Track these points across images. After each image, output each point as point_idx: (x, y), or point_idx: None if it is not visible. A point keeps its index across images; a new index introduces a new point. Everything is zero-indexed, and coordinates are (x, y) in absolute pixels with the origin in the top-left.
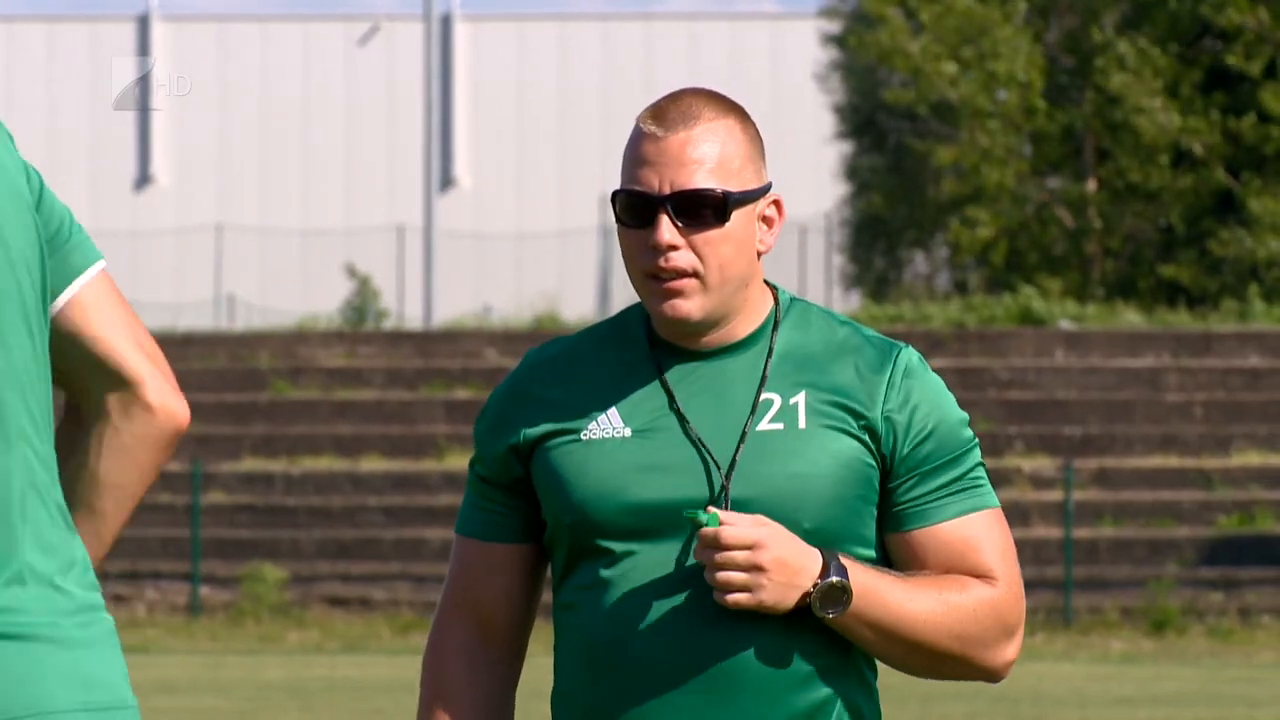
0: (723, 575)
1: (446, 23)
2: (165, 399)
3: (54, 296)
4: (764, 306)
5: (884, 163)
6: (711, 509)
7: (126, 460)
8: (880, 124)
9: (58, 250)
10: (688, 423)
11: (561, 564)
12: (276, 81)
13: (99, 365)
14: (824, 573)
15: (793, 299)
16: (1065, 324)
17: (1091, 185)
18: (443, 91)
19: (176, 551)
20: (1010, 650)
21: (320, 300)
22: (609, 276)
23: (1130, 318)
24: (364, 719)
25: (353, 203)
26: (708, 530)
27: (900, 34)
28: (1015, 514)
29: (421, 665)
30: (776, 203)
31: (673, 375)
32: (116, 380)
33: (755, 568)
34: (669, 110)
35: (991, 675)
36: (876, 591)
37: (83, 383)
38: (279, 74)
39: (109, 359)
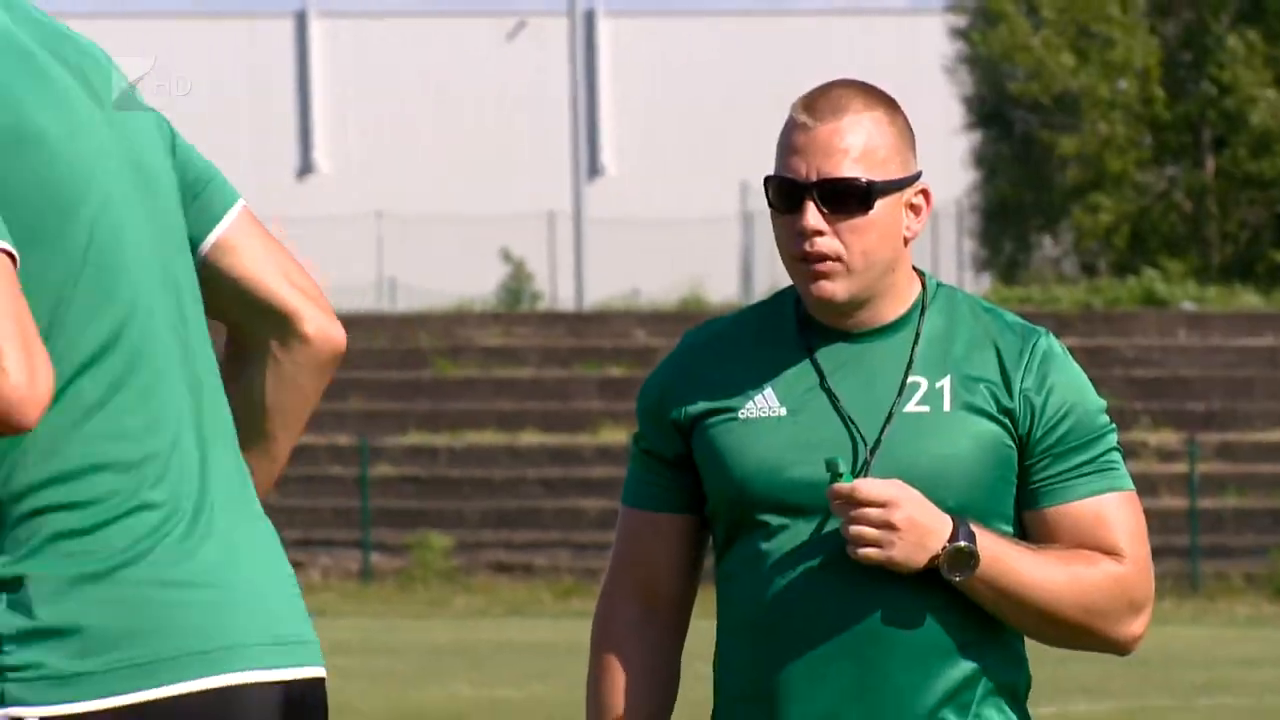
0: (855, 529)
1: (590, 18)
2: (321, 327)
3: (200, 240)
4: (911, 292)
5: (1010, 151)
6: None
7: (290, 387)
8: (1006, 114)
9: (199, 195)
10: (838, 401)
11: (722, 536)
12: (429, 75)
13: (254, 303)
14: (953, 537)
15: (939, 285)
16: (1187, 305)
17: (1209, 172)
18: (588, 84)
19: (348, 521)
20: (1137, 625)
21: (477, 283)
22: (751, 260)
23: (1249, 299)
24: (529, 680)
25: (506, 190)
26: (843, 486)
27: (1021, 30)
28: (1143, 485)
29: (591, 634)
30: (924, 191)
31: (823, 355)
32: (273, 316)
33: (887, 525)
34: (819, 101)
35: (1118, 648)
36: (1004, 559)
37: (240, 319)
38: (432, 68)
39: (263, 297)
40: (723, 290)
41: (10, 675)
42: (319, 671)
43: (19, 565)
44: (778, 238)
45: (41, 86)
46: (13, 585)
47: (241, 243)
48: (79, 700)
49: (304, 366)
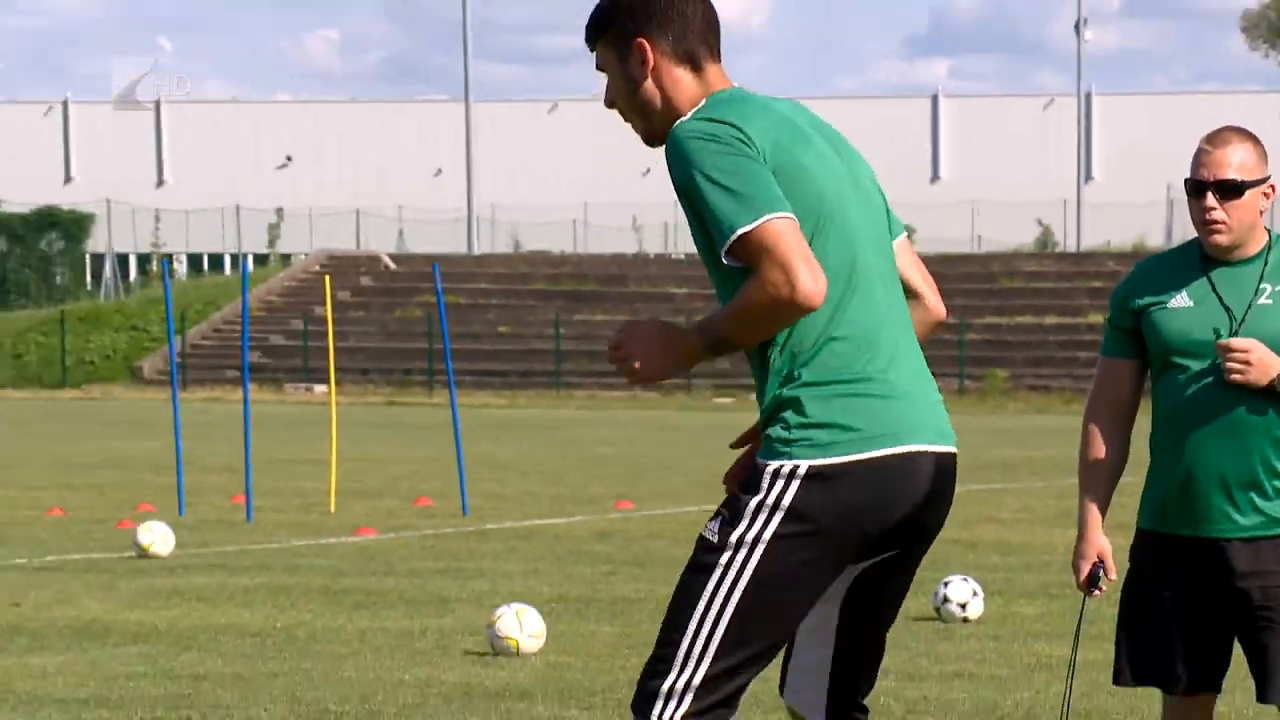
0: (1229, 364)
1: (1089, 97)
2: (934, 304)
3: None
4: (1263, 239)
5: None
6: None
7: (922, 330)
8: None
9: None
10: (1221, 298)
11: (1156, 371)
12: (1007, 127)
13: (905, 287)
14: None
15: (1278, 236)
16: None
17: None
18: (1086, 135)
19: (951, 363)
20: None
21: (1025, 235)
22: (1171, 225)
23: None
24: (1046, 446)
25: (1042, 186)
26: (1224, 341)
27: None
28: None
29: (1082, 421)
30: (1272, 185)
31: (1214, 274)
32: (912, 295)
33: (1246, 362)
34: (1216, 137)
35: None
36: None
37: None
38: (1006, 123)
39: (908, 282)
40: (1154, 240)
41: (794, 444)
42: (954, 449)
43: (797, 390)
44: (1191, 211)
45: (806, 145)
46: (795, 400)
47: (902, 252)
48: (828, 457)
49: (927, 323)
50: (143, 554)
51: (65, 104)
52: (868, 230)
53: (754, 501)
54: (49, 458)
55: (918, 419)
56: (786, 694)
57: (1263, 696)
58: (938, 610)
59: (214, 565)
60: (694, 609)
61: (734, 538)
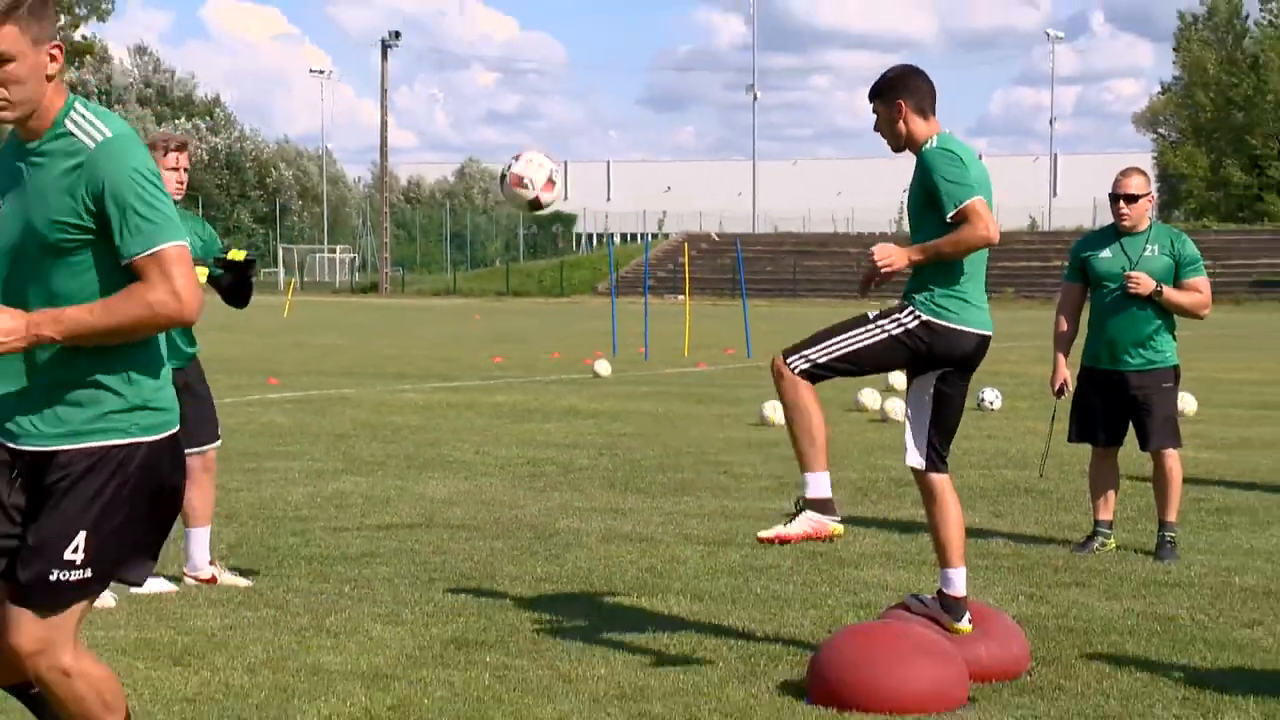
0: (1129, 285)
1: (1055, 157)
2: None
3: None
4: (1147, 223)
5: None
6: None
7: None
8: (1172, 185)
9: None
10: (1126, 253)
11: (1092, 289)
12: None
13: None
14: (1157, 287)
15: (1155, 222)
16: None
17: None
18: None
19: None
20: (1208, 310)
21: (1022, 223)
22: (1097, 219)
23: None
24: (1034, 329)
25: None
26: (1127, 273)
27: (1176, 163)
28: None
29: (1055, 317)
30: (1152, 196)
31: (1123, 240)
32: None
33: (1138, 283)
34: (1124, 171)
35: (1203, 317)
36: (1167, 293)
37: None
38: None
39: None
40: (1088, 225)
41: (923, 305)
42: (991, 333)
43: (933, 285)
44: (1111, 210)
45: (981, 173)
46: (932, 289)
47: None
48: (937, 320)
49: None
50: (595, 376)
51: (565, 164)
52: None
53: (895, 316)
54: (553, 332)
55: (979, 316)
56: (907, 458)
57: (1143, 447)
58: (979, 404)
59: (630, 381)
60: (842, 336)
61: (875, 325)
